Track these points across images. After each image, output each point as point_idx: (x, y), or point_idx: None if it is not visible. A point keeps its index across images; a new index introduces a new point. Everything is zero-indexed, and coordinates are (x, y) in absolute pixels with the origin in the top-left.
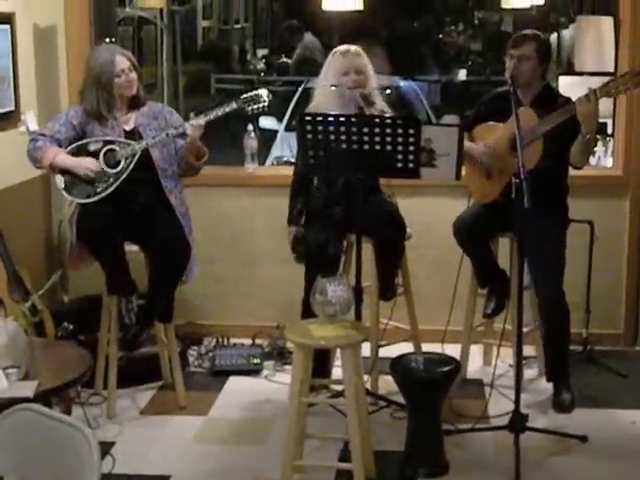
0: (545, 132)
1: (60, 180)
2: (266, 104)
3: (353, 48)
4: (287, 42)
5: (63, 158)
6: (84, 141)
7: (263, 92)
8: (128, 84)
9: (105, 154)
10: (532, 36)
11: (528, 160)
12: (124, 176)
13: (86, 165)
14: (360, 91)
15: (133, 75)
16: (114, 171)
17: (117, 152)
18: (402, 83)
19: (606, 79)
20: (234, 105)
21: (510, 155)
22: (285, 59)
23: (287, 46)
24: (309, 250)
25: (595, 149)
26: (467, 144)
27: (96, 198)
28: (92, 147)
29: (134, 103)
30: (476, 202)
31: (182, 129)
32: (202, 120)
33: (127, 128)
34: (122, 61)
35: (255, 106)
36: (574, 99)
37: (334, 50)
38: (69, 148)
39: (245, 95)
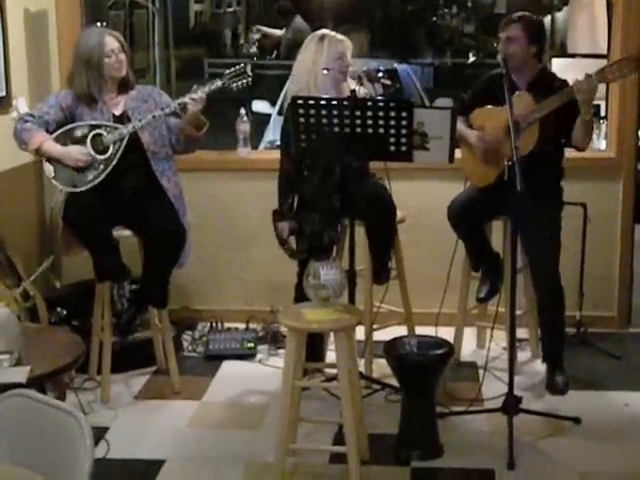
0: (542, 116)
1: (49, 169)
2: (250, 79)
3: (337, 34)
4: (279, 23)
5: (50, 146)
6: (70, 126)
7: (247, 67)
8: (118, 65)
9: (93, 139)
10: (519, 17)
11: (525, 144)
12: (114, 162)
13: (75, 156)
14: (361, 71)
15: (123, 56)
16: (103, 157)
17: (105, 137)
18: (395, 66)
19: (598, 61)
20: (219, 83)
21: (507, 139)
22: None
23: (278, 27)
24: (304, 237)
25: None
26: (464, 129)
27: (88, 186)
28: (79, 133)
29: (123, 86)
30: (472, 185)
31: (169, 109)
32: (202, 92)
33: (116, 112)
34: (111, 41)
35: (239, 82)
36: (570, 81)
37: (322, 34)
38: (55, 134)
39: (229, 71)
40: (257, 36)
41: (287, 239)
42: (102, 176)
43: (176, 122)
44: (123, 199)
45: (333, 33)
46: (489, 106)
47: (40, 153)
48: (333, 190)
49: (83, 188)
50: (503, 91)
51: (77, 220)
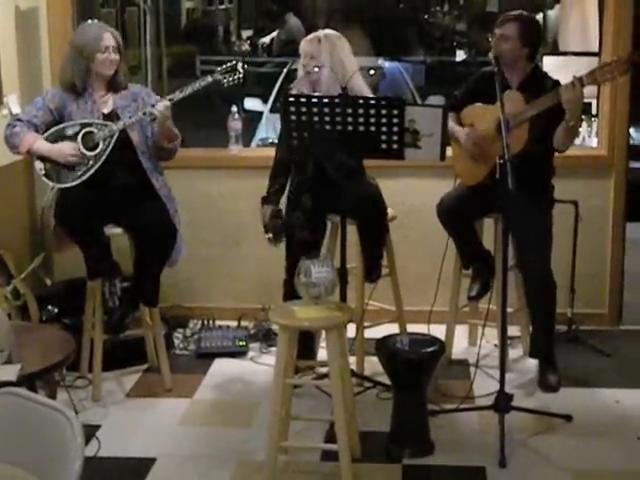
0: (532, 116)
1: (40, 166)
2: (241, 75)
3: (320, 34)
4: (269, 25)
5: (41, 145)
6: (61, 126)
7: (238, 64)
8: (109, 63)
9: (83, 137)
10: (516, 16)
11: (515, 143)
12: (103, 158)
13: (65, 152)
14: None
15: (115, 56)
16: (93, 153)
17: (95, 134)
18: (387, 64)
19: (589, 59)
20: (209, 79)
21: (497, 137)
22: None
23: (269, 29)
24: (289, 232)
25: (580, 129)
26: (454, 127)
27: (77, 182)
28: (69, 131)
29: (113, 86)
30: (462, 183)
31: (158, 108)
32: (167, 101)
33: (105, 111)
34: (109, 38)
35: (230, 78)
36: (562, 80)
37: None
38: (46, 134)
39: (220, 68)
40: (245, 47)
41: (269, 224)
42: (91, 171)
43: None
44: (114, 197)
45: (312, 34)
46: (479, 104)
47: (31, 153)
48: (307, 189)
49: (73, 183)
50: (494, 89)
51: (69, 217)
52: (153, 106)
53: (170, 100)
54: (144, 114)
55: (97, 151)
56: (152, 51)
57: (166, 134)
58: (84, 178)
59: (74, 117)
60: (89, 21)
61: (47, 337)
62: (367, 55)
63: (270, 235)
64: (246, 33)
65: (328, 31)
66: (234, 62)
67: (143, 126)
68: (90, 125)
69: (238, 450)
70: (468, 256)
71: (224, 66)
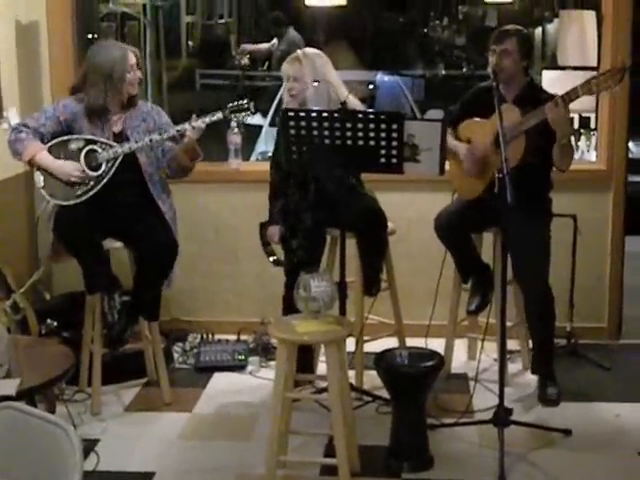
0: (528, 129)
1: (39, 179)
2: (249, 113)
3: (299, 53)
4: (272, 33)
5: (44, 157)
6: (65, 138)
7: (251, 104)
8: (134, 81)
9: (86, 155)
10: (514, 31)
11: (513, 156)
12: (105, 180)
13: (68, 171)
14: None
15: (139, 73)
16: (95, 174)
17: (98, 154)
18: (386, 78)
19: (588, 73)
20: (220, 115)
21: (494, 151)
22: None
23: (271, 38)
24: (286, 249)
25: (578, 143)
26: (452, 142)
27: (76, 202)
28: (73, 145)
29: (129, 103)
30: (460, 198)
31: (168, 134)
32: (202, 123)
33: (115, 130)
34: (132, 57)
35: (240, 115)
36: (559, 94)
37: None
38: (50, 143)
39: (231, 104)
40: (245, 61)
41: (273, 249)
42: (91, 193)
43: (170, 146)
44: (116, 214)
45: (290, 56)
46: (476, 118)
47: (33, 164)
48: (307, 208)
49: (71, 202)
50: (490, 104)
51: (67, 233)
52: (161, 134)
53: (178, 132)
54: (150, 141)
55: (99, 172)
56: (152, 65)
57: (190, 153)
58: (83, 199)
59: (84, 132)
60: (104, 42)
61: (46, 351)
62: (366, 69)
63: (275, 258)
64: None
65: (307, 49)
66: (246, 101)
67: (153, 148)
68: (95, 143)
69: (237, 464)
70: (466, 270)
71: (237, 103)
